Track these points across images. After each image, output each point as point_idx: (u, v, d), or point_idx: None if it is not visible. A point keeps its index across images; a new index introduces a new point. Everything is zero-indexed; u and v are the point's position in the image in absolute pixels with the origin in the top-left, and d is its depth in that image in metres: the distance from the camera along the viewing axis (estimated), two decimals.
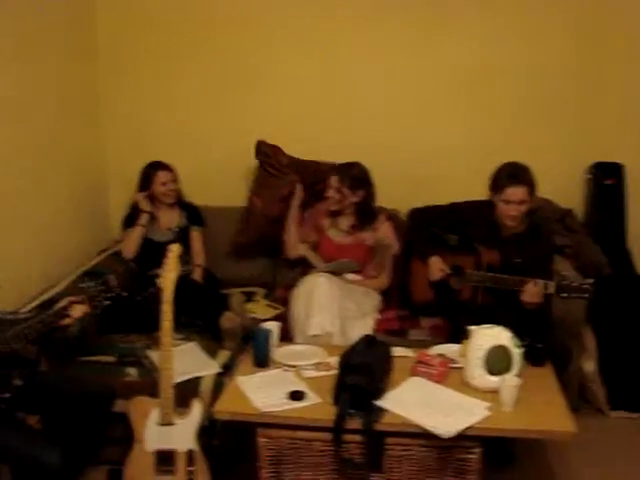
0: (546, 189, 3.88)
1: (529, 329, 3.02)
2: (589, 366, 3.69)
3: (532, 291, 3.12)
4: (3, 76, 3.42)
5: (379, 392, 2.59)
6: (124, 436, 3.00)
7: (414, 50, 4.12)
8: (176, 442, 2.91)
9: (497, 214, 3.35)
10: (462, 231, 3.50)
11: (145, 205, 3.84)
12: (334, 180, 3.69)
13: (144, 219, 3.83)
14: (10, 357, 2.75)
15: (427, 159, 4.14)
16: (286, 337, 3.37)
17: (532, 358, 2.89)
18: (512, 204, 3.24)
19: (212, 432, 3.07)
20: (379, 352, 2.67)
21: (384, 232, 3.79)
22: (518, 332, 2.89)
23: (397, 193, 3.96)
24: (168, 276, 2.95)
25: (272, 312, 3.66)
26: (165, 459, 2.92)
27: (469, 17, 4.03)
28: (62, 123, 3.97)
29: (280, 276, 4.09)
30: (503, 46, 4.06)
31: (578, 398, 3.69)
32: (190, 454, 2.92)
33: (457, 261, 3.44)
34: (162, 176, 3.85)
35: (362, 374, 2.53)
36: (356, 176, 3.69)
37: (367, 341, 2.70)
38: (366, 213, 3.77)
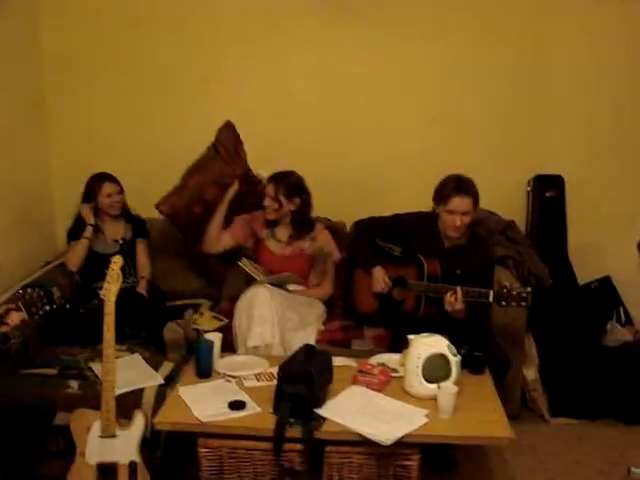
0: (489, 201, 3.97)
1: (468, 338, 3.08)
2: (530, 374, 3.75)
3: (449, 300, 3.18)
4: None
5: (319, 401, 2.60)
6: (66, 449, 2.98)
7: (365, 58, 4.18)
8: (118, 454, 2.89)
9: (440, 225, 3.41)
10: (405, 242, 3.55)
11: (89, 218, 3.80)
12: (270, 188, 3.70)
13: (88, 232, 3.79)
14: None
15: (372, 170, 4.19)
16: (230, 348, 3.39)
17: (471, 366, 2.94)
18: (456, 214, 3.30)
19: (155, 444, 3.06)
20: (319, 361, 2.68)
21: (323, 240, 3.81)
22: (457, 341, 2.95)
23: (342, 205, 4.01)
24: (110, 288, 2.94)
25: (217, 324, 3.65)
26: (107, 472, 2.90)
27: (421, 24, 4.11)
28: (3, 131, 3.92)
29: (226, 288, 4.09)
30: (451, 58, 4.14)
31: (520, 405, 3.75)
32: (132, 466, 2.90)
33: (400, 272, 3.48)
34: (107, 188, 3.82)
35: (301, 383, 2.54)
36: (292, 184, 3.71)
37: (307, 350, 2.72)
38: (303, 222, 3.79)
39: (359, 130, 4.23)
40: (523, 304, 3.09)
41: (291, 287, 3.72)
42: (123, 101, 4.32)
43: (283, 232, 3.83)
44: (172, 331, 3.37)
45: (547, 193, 4.12)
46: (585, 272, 4.22)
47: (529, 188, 4.19)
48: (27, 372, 3.26)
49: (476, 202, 3.34)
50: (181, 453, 2.68)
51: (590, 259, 4.23)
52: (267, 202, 3.73)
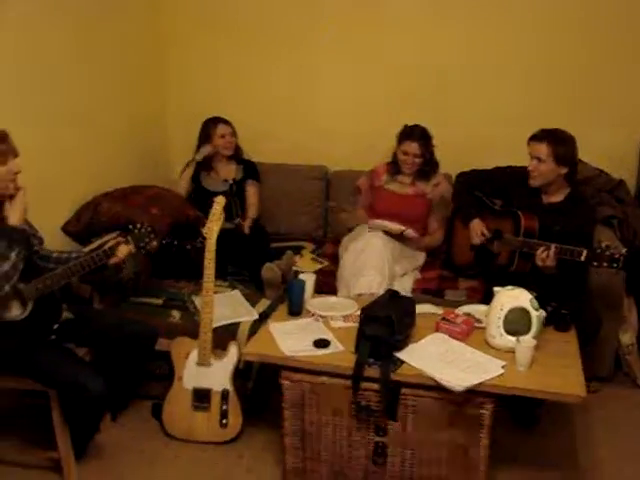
0: (599, 159, 3.92)
1: (559, 295, 3.08)
2: (627, 338, 3.68)
3: (541, 256, 3.17)
4: (78, 32, 3.69)
5: (399, 344, 2.68)
6: (166, 374, 3.22)
7: (459, 18, 4.16)
8: (212, 381, 3.13)
9: None
10: (505, 196, 3.55)
11: (199, 155, 4.06)
12: (415, 147, 3.79)
13: (193, 163, 4.08)
14: (62, 293, 2.99)
15: (477, 125, 4.19)
16: (331, 290, 3.51)
17: (556, 323, 2.94)
18: (533, 159, 3.33)
19: (247, 375, 3.25)
20: (401, 306, 2.76)
21: (445, 188, 3.89)
22: (547, 297, 2.97)
23: (449, 158, 4.01)
24: (212, 227, 3.13)
25: (316, 266, 3.79)
26: (201, 397, 3.14)
27: None
28: (127, 82, 4.21)
29: (330, 232, 4.23)
30: (559, 9, 4.03)
31: (614, 369, 3.70)
32: (225, 394, 3.11)
33: (498, 225, 3.49)
34: (221, 129, 4.06)
35: (382, 325, 2.62)
36: (428, 136, 3.82)
37: (390, 295, 2.80)
38: (432, 164, 3.88)
39: (465, 87, 4.22)
40: (615, 266, 3.03)
41: (409, 233, 3.74)
42: (240, 53, 4.48)
43: (406, 177, 3.91)
44: (269, 270, 3.53)
45: None
46: None
47: None
48: (136, 300, 3.53)
49: (556, 153, 3.28)
50: (272, 385, 2.83)
51: None
52: (409, 160, 3.82)
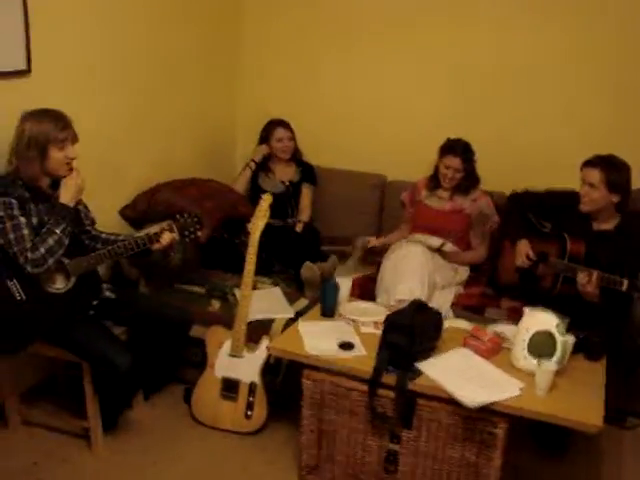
0: None
1: (598, 323, 3.04)
2: None
3: (583, 281, 3.12)
4: (152, 28, 3.86)
5: (419, 354, 2.70)
6: (201, 361, 3.33)
7: (528, 39, 4.07)
8: (242, 373, 3.21)
9: None
10: (555, 219, 3.52)
11: (257, 155, 4.18)
12: (457, 162, 3.79)
13: (252, 164, 4.21)
14: (112, 274, 3.14)
15: (535, 146, 4.12)
16: (370, 297, 3.55)
17: (587, 351, 2.90)
18: (584, 185, 3.30)
19: (277, 371, 3.32)
20: (426, 317, 2.78)
21: (484, 203, 3.87)
22: (585, 324, 2.93)
23: (504, 176, 3.98)
24: (256, 223, 3.23)
25: (360, 272, 3.83)
26: (230, 386, 3.23)
27: None
28: (200, 80, 4.37)
29: None
30: (625, 33, 3.90)
31: None
32: (252, 386, 3.19)
33: (545, 248, 3.45)
34: (279, 132, 4.15)
35: (403, 334, 2.65)
36: (469, 150, 3.82)
37: (416, 305, 2.82)
38: (472, 179, 3.87)
39: (532, 102, 4.14)
40: None
41: (447, 247, 3.80)
42: (310, 58, 4.56)
43: (445, 192, 3.91)
44: (309, 270, 3.61)
45: None
46: None
47: None
48: (181, 287, 3.66)
49: (608, 180, 3.24)
50: (300, 383, 2.88)
51: None
52: (449, 174, 3.83)
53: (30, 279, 2.78)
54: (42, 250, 2.72)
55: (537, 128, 4.13)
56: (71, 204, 2.87)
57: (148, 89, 3.89)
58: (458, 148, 3.78)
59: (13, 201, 2.72)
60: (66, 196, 2.86)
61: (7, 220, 2.71)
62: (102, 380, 2.99)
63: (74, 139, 2.85)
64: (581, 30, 3.96)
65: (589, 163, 3.29)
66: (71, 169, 2.87)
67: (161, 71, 3.97)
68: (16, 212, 2.72)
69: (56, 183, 2.89)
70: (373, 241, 3.97)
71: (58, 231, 2.77)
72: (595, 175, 3.25)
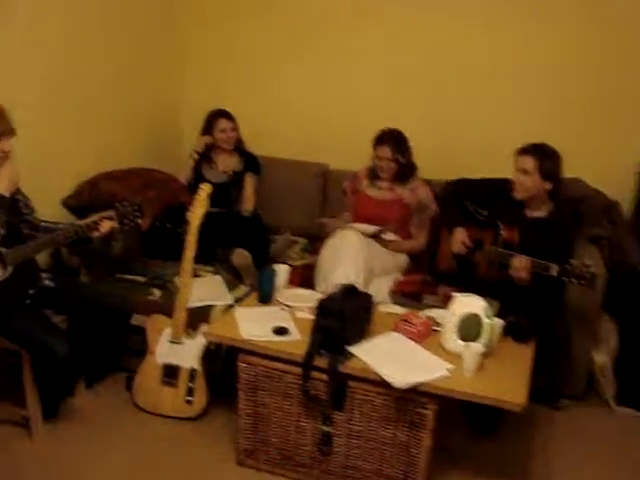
0: (597, 179, 3.92)
1: (531, 308, 3.14)
2: (600, 358, 3.69)
3: (516, 265, 3.21)
4: (93, 13, 3.86)
5: (351, 338, 2.77)
6: (142, 348, 3.36)
7: (465, 28, 4.19)
8: (182, 359, 3.26)
9: None
10: (491, 206, 3.60)
11: (199, 146, 4.21)
12: (386, 151, 3.85)
13: (194, 155, 4.23)
14: (53, 262, 3.14)
15: (477, 136, 4.23)
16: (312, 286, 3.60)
17: (516, 334, 2.99)
18: (518, 172, 3.39)
19: (217, 357, 3.36)
20: (357, 302, 2.84)
21: (423, 193, 3.93)
22: (519, 309, 3.04)
23: (442, 165, 4.07)
24: (195, 211, 3.27)
25: (303, 260, 3.88)
26: (171, 373, 3.27)
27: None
28: (146, 65, 4.40)
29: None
30: (557, 35, 4.06)
31: (587, 388, 3.70)
32: (192, 372, 3.23)
33: (481, 235, 3.53)
34: (222, 123, 4.18)
35: (334, 318, 2.72)
36: (401, 140, 3.87)
37: (347, 290, 2.88)
38: (408, 168, 3.93)
39: (470, 95, 4.26)
40: (583, 283, 3.07)
41: (389, 236, 3.86)
42: (255, 48, 4.61)
43: (384, 182, 3.97)
44: (240, 256, 3.66)
45: None
46: None
47: (638, 170, 4.04)
48: (122, 277, 3.67)
49: (542, 168, 3.34)
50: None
51: None
52: (383, 164, 3.89)
53: None
54: None
55: (473, 118, 4.24)
56: (6, 194, 2.87)
57: (90, 77, 3.90)
58: (388, 138, 3.85)
59: None
60: (0, 186, 2.87)
61: None
62: (41, 368, 3.00)
63: (10, 132, 2.84)
64: (511, 23, 4.10)
65: (523, 151, 3.38)
66: (4, 158, 2.87)
67: (103, 59, 3.99)
68: None
69: None
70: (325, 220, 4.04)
71: None
72: (529, 162, 3.34)
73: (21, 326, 2.93)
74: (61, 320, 3.24)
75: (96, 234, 3.07)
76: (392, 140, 3.85)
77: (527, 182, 3.37)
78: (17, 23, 3.38)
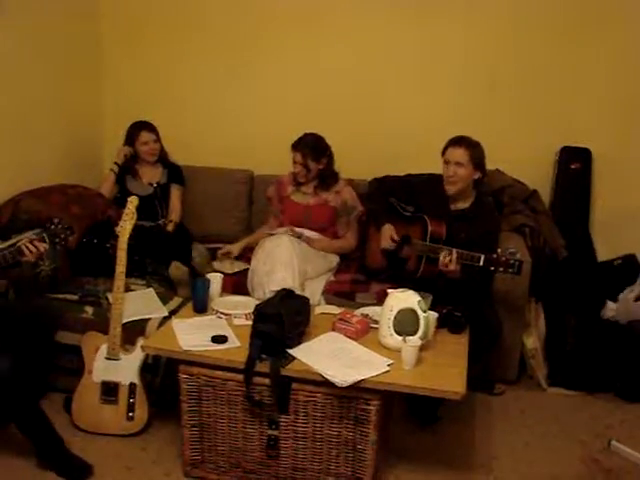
0: (516, 169, 4.07)
1: (461, 299, 3.21)
2: (530, 342, 3.81)
3: (443, 261, 3.29)
4: (7, 31, 3.75)
5: (290, 341, 2.79)
6: (77, 368, 3.30)
7: (378, 27, 4.28)
8: (120, 375, 3.21)
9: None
10: (416, 202, 3.67)
11: (119, 157, 4.19)
12: (297, 157, 3.89)
13: (114, 167, 4.19)
14: None
15: (399, 133, 4.33)
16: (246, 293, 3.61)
17: (450, 325, 3.07)
18: (450, 165, 3.44)
19: (156, 370, 3.34)
20: (294, 305, 2.87)
21: (347, 194, 3.97)
22: (450, 301, 3.12)
23: (367, 164, 4.16)
24: (125, 226, 3.24)
25: (236, 268, 3.88)
26: (109, 390, 3.22)
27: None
28: (62, 75, 4.29)
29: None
30: (470, 25, 4.19)
31: (519, 372, 3.83)
32: (132, 387, 3.20)
33: (408, 231, 3.61)
34: (144, 136, 4.15)
35: (272, 323, 2.74)
36: (316, 147, 3.89)
37: (283, 294, 2.90)
38: (329, 175, 3.97)
39: (388, 95, 4.36)
40: (510, 271, 3.17)
41: (314, 235, 3.89)
42: (174, 58, 4.60)
43: (308, 186, 4.00)
44: (177, 269, 3.64)
45: (572, 165, 4.13)
46: (611, 248, 4.21)
47: (556, 158, 4.19)
48: (52, 296, 3.58)
49: (473, 158, 3.43)
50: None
51: (616, 236, 4.21)
52: (297, 169, 3.92)
53: None
54: None
55: (393, 116, 4.35)
56: None
57: (8, 97, 3.80)
58: (301, 144, 3.88)
59: None
60: None
61: None
62: None
63: None
64: (427, 20, 4.23)
65: (454, 143, 3.45)
66: None
67: (19, 74, 3.88)
68: None
69: None
70: (230, 248, 4.00)
71: None
72: (462, 153, 3.42)
73: None
74: None
75: (26, 258, 3.00)
76: (304, 146, 3.88)
77: (461, 173, 3.44)
78: None
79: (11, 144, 3.86)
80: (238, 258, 3.98)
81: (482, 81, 4.22)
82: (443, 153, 3.50)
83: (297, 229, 3.86)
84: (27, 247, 2.97)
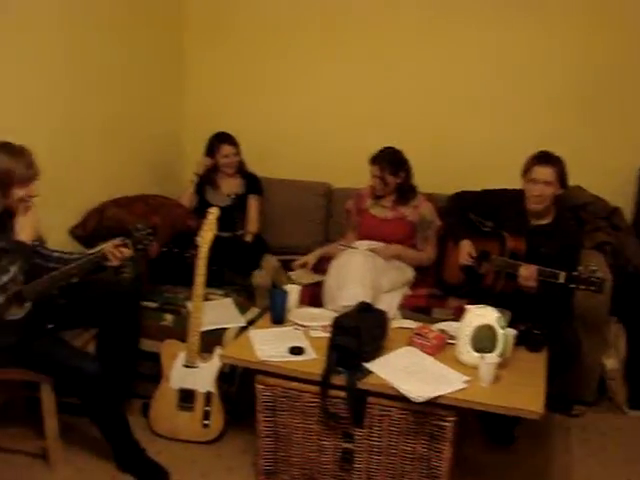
0: (597, 186, 3.99)
1: (540, 316, 3.16)
2: (610, 362, 3.71)
3: (524, 274, 3.24)
4: (97, 42, 3.90)
5: (367, 354, 2.79)
6: (155, 374, 3.38)
7: (458, 42, 4.24)
8: (197, 383, 3.27)
9: (526, 200, 3.47)
10: (495, 217, 3.63)
11: (199, 168, 4.27)
12: (375, 170, 3.89)
13: (195, 178, 4.28)
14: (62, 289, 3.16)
15: (476, 148, 4.30)
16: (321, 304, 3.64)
17: (528, 343, 3.02)
18: (537, 183, 3.37)
19: (232, 379, 3.38)
20: (372, 318, 2.87)
21: (426, 209, 3.96)
22: (528, 318, 3.07)
23: (445, 179, 4.13)
24: (205, 236, 3.31)
25: (310, 279, 3.90)
26: (187, 397, 3.29)
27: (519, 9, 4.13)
28: (147, 90, 4.44)
29: None
30: (552, 39, 4.11)
31: (599, 393, 3.74)
32: (208, 395, 3.25)
33: (487, 247, 3.57)
34: (225, 149, 4.22)
35: (350, 336, 2.74)
36: (394, 160, 3.88)
37: (362, 307, 2.91)
38: (407, 190, 3.96)
39: (468, 109, 4.31)
40: (592, 289, 3.10)
41: (394, 247, 3.88)
42: (254, 71, 4.67)
43: (387, 199, 4.00)
44: (259, 277, 3.69)
45: None
46: None
47: (638, 175, 4.09)
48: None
49: (560, 176, 3.37)
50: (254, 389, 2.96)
51: None
52: (375, 183, 3.92)
53: None
54: None
55: (472, 130, 4.31)
56: (28, 242, 2.88)
57: (94, 106, 3.94)
58: (379, 157, 3.88)
59: None
60: (24, 233, 2.87)
61: None
62: (73, 393, 3.02)
63: (37, 176, 2.87)
64: (506, 33, 4.16)
65: (542, 161, 3.37)
66: (28, 207, 2.90)
67: (107, 90, 4.03)
68: None
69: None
70: (306, 259, 4.03)
71: (13, 269, 2.80)
72: (550, 173, 3.35)
73: (44, 352, 2.93)
74: (86, 342, 3.33)
75: (111, 263, 3.09)
76: (382, 159, 3.87)
77: (548, 192, 3.38)
78: (24, 57, 3.43)
79: (98, 155, 4.01)
80: (316, 270, 4.00)
81: (569, 97, 4.16)
82: (527, 171, 3.42)
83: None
84: (111, 252, 3.07)
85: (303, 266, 3.99)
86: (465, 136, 4.29)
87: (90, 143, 3.93)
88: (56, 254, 3.16)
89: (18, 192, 2.81)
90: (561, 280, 3.17)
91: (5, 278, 2.78)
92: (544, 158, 3.38)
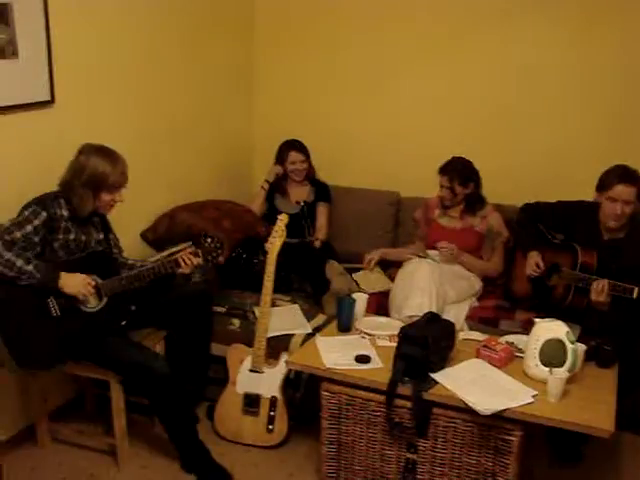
0: None
1: (610, 331, 3.10)
2: None
3: (596, 289, 3.18)
4: (173, 54, 4.02)
5: (434, 365, 2.77)
6: (222, 378, 3.42)
7: (532, 53, 4.16)
8: (263, 388, 3.30)
9: (600, 216, 3.41)
10: (566, 230, 3.58)
11: (270, 175, 4.33)
12: (444, 180, 3.88)
13: (265, 184, 4.34)
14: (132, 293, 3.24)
15: (544, 160, 4.21)
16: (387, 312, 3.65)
17: (599, 359, 2.96)
18: (618, 202, 3.30)
19: (297, 385, 3.40)
20: (439, 329, 2.85)
21: (494, 220, 3.93)
22: (598, 333, 3.01)
23: (506, 189, 4.10)
24: (274, 242, 3.34)
25: (378, 288, 3.90)
26: (252, 402, 3.33)
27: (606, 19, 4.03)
28: (218, 96, 4.50)
29: None
30: (627, 49, 4.00)
31: None
32: (273, 401, 3.28)
33: (557, 259, 3.52)
34: (293, 156, 4.27)
35: (417, 346, 2.73)
36: (463, 171, 3.87)
37: (429, 317, 2.90)
38: (476, 200, 3.93)
39: (539, 121, 4.23)
40: None
41: (465, 257, 3.86)
42: (323, 78, 4.68)
43: (455, 210, 3.98)
44: (339, 282, 3.77)
45: None
46: None
47: None
48: None
49: (638, 192, 3.30)
50: (319, 396, 2.97)
51: None
52: (443, 193, 3.91)
53: (66, 297, 2.92)
54: (8, 257, 2.78)
55: (543, 141, 4.22)
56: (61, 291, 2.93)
57: (167, 113, 4.03)
58: (448, 167, 3.87)
59: (44, 214, 2.89)
60: (66, 288, 2.92)
61: (26, 223, 2.86)
62: (142, 391, 3.10)
63: (126, 184, 3.07)
64: (588, 44, 4.06)
65: (626, 180, 3.30)
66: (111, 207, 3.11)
67: (181, 95, 4.12)
68: (37, 222, 2.87)
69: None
70: (369, 257, 4.06)
71: (29, 272, 2.82)
72: (632, 192, 3.29)
73: (116, 351, 3.02)
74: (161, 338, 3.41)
75: (181, 270, 3.16)
76: (451, 169, 3.87)
77: (629, 210, 3.34)
78: (106, 64, 3.55)
79: (170, 161, 4.09)
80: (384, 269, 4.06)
81: (627, 104, 4.03)
82: (607, 187, 3.34)
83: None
84: (183, 260, 3.13)
85: (369, 264, 4.03)
86: (535, 147, 4.22)
87: (161, 149, 4.02)
88: (130, 261, 3.32)
89: (105, 197, 3.01)
90: (634, 295, 3.11)
91: (19, 263, 2.80)
92: (628, 177, 3.30)
